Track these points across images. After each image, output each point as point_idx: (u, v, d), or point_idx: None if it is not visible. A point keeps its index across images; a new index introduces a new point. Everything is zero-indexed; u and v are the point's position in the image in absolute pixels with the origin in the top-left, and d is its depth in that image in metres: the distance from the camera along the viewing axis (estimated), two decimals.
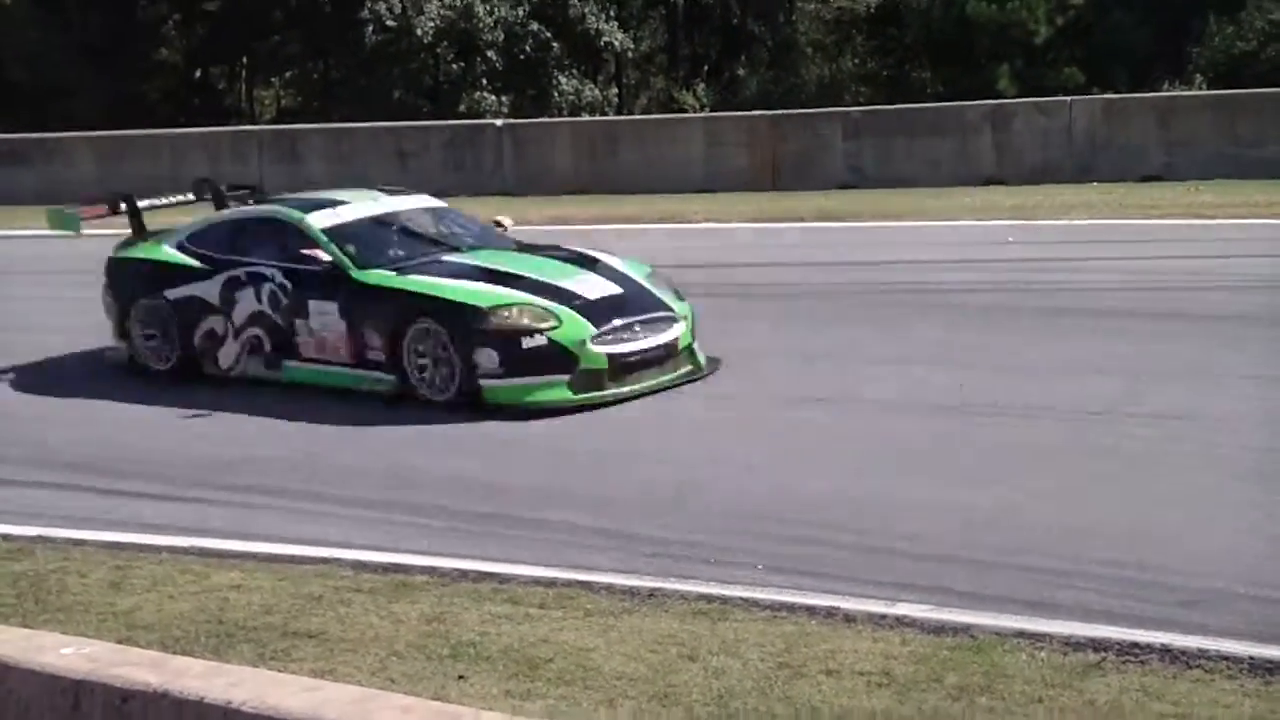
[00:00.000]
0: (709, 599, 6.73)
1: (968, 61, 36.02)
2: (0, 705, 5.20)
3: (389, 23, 38.76)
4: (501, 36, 38.91)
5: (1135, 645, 6.02)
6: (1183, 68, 34.94)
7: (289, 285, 11.20)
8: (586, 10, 39.44)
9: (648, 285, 11.12)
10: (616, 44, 40.38)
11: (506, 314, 10.46)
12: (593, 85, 40.48)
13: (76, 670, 5.09)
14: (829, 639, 6.22)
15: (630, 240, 19.20)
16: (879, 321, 12.85)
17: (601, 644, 6.22)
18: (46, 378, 12.25)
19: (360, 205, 11.85)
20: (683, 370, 10.84)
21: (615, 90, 42.94)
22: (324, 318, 10.98)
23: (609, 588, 6.93)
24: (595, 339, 10.47)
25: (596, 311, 10.64)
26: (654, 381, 10.61)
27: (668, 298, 11.07)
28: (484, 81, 39.16)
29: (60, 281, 16.25)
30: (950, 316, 12.78)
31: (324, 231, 11.29)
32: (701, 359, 11.03)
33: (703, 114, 35.26)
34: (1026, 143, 23.05)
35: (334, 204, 11.82)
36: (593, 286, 10.90)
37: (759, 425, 9.86)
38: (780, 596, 6.73)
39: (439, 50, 39.72)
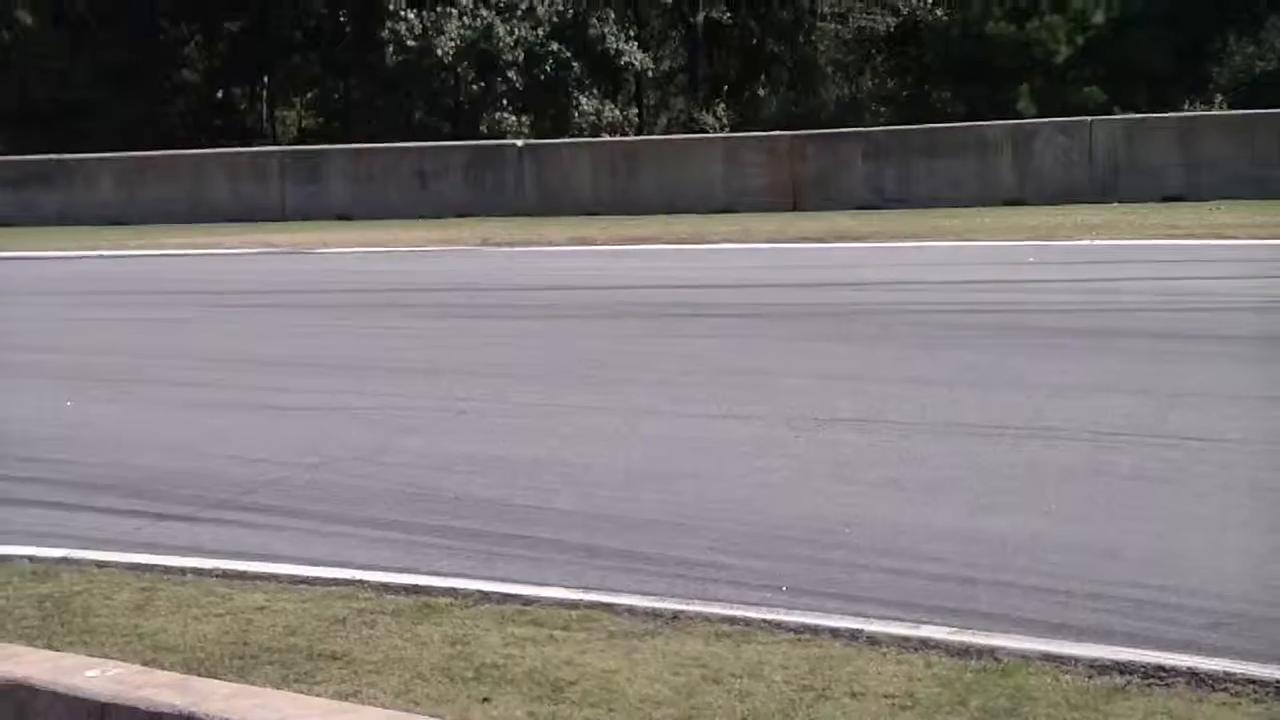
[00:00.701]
0: (732, 621, 6.72)
1: (988, 81, 36.08)
2: None
3: (409, 43, 38.89)
4: (522, 56, 39.06)
5: (1160, 668, 5.99)
6: (1203, 87, 34.95)
7: None
8: (606, 30, 39.58)
9: None
10: (636, 64, 40.52)
11: None
12: (613, 105, 40.64)
13: (102, 693, 5.12)
14: (853, 661, 6.20)
15: (652, 260, 19.23)
16: (899, 341, 12.85)
17: (625, 666, 6.21)
18: (65, 397, 12.28)
19: None
20: None
21: (635, 110, 43.08)
22: None
23: (631, 609, 6.92)
24: None
25: None
26: None
27: None
28: (504, 101, 39.30)
29: (79, 302, 16.34)
30: (971, 337, 12.79)
31: None
32: None
33: (723, 134, 35.35)
34: (1047, 163, 23.08)
35: None
36: None
37: (780, 446, 9.85)
38: (804, 619, 6.72)
39: (459, 70, 39.86)
